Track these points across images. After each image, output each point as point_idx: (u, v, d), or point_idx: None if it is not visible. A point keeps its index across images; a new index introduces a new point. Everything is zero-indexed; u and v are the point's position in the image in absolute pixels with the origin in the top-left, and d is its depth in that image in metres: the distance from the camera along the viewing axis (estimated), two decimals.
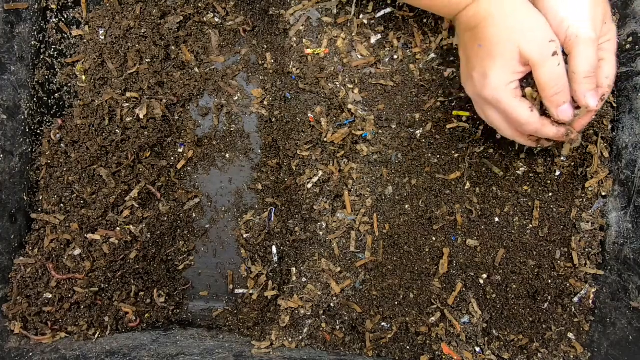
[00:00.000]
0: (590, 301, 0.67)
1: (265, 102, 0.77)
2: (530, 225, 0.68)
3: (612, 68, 0.54)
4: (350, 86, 0.69)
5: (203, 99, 0.78)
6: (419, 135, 0.69)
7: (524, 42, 0.50)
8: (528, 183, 0.68)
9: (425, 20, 0.69)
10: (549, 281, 0.67)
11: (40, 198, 0.72)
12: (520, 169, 0.68)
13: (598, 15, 0.51)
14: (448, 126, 0.69)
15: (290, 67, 0.71)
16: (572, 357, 0.66)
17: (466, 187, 0.69)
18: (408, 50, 0.69)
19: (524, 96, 0.54)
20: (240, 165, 0.78)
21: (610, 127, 0.66)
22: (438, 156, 0.69)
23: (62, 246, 0.70)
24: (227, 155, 0.78)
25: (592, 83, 0.51)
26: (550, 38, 0.51)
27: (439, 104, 0.69)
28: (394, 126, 0.70)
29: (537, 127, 0.54)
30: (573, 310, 0.67)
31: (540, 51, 0.50)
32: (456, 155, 0.69)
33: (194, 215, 0.78)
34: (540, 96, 0.52)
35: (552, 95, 0.51)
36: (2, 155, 0.67)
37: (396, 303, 0.68)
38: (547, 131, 0.54)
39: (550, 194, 0.68)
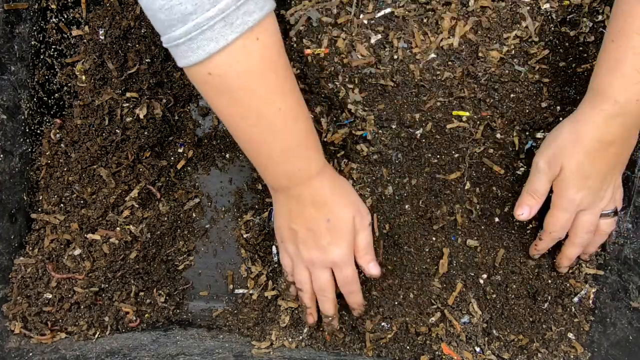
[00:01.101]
0: (590, 301, 0.67)
1: None
2: (530, 225, 0.68)
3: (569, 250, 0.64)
4: (350, 86, 0.69)
5: (203, 99, 0.78)
6: (419, 135, 0.69)
7: (356, 215, 0.61)
8: None
9: (425, 20, 0.69)
10: (549, 281, 0.67)
11: (40, 198, 0.72)
12: (520, 168, 0.68)
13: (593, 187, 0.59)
14: (448, 126, 0.69)
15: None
16: (572, 357, 0.66)
17: (466, 187, 0.69)
18: (408, 50, 0.69)
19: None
20: (240, 165, 0.78)
21: None
22: (438, 156, 0.69)
23: (62, 246, 0.70)
24: (227, 155, 0.78)
25: (551, 241, 0.64)
26: (367, 211, 0.63)
27: (439, 103, 0.69)
28: (394, 126, 0.70)
29: (357, 289, 0.65)
30: (573, 310, 0.67)
31: (362, 222, 0.62)
32: (456, 155, 0.69)
33: (194, 215, 0.78)
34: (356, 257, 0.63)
35: (364, 255, 0.62)
36: (2, 155, 0.67)
37: (396, 303, 0.68)
38: (356, 297, 0.66)
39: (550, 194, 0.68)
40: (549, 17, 0.66)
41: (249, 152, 0.58)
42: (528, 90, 0.67)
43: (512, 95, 0.68)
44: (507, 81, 0.67)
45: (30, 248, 0.70)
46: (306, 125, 0.57)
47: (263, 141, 0.56)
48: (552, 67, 0.67)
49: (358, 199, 0.63)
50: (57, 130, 0.72)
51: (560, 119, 0.65)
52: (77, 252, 0.70)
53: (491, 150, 0.69)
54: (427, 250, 0.69)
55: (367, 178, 0.70)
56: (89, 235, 0.70)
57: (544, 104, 0.67)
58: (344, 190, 0.62)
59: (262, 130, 0.54)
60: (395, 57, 0.70)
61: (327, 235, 0.60)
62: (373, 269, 0.63)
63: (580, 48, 0.66)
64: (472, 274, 0.68)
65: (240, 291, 0.76)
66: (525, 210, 0.62)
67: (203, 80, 0.51)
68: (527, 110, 0.68)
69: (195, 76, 0.52)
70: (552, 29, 0.66)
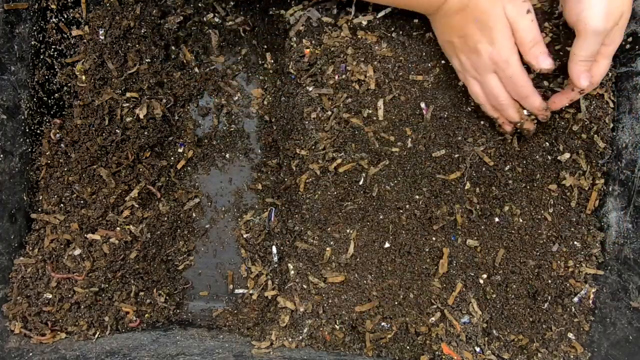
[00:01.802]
0: (590, 301, 0.67)
1: (265, 102, 0.77)
2: (531, 225, 0.68)
3: (600, 70, 0.59)
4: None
5: (203, 99, 0.78)
6: (419, 135, 0.69)
7: (506, 5, 0.57)
8: (529, 182, 0.68)
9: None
10: (549, 281, 0.67)
11: (40, 198, 0.72)
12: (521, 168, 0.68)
13: (613, 15, 0.55)
14: (448, 126, 0.69)
15: (290, 67, 0.71)
16: (572, 357, 0.66)
17: (466, 187, 0.69)
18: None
19: None
20: (240, 165, 0.78)
21: (611, 125, 0.66)
22: (438, 156, 0.69)
23: (62, 246, 0.70)
24: (227, 155, 0.78)
25: (588, 66, 0.58)
26: None
27: (439, 103, 0.69)
28: (395, 125, 0.70)
29: (529, 92, 0.60)
30: (573, 310, 0.67)
31: (517, 10, 0.57)
32: (456, 155, 0.69)
33: (194, 215, 0.78)
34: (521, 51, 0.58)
35: (530, 47, 0.57)
36: (2, 155, 0.67)
37: (396, 303, 0.68)
38: (532, 101, 0.61)
39: (550, 194, 0.68)
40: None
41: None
42: None
43: None
44: None
45: (30, 248, 0.70)
46: None
47: None
48: None
49: None
50: (57, 130, 0.72)
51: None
52: (77, 252, 0.70)
53: (491, 151, 0.68)
54: (427, 250, 0.69)
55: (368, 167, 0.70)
56: (89, 235, 0.70)
57: None
58: None
59: None
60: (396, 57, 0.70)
61: (478, 34, 0.58)
62: (543, 62, 0.57)
63: None
64: (472, 274, 0.68)
65: (240, 291, 0.76)
66: (586, 77, 0.58)
67: None
68: None
69: None
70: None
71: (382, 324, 0.68)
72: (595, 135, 0.66)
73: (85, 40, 0.73)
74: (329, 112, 0.70)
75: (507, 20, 0.57)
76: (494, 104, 0.64)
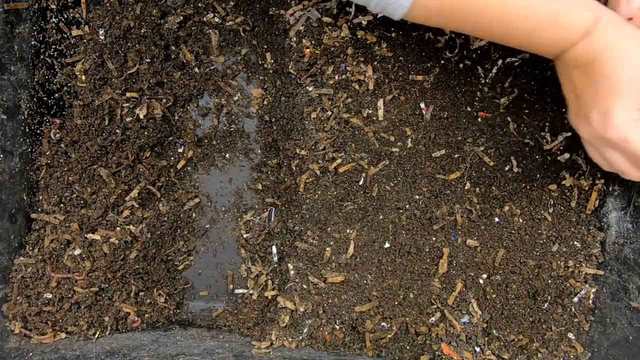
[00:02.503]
0: (590, 301, 0.67)
1: (265, 102, 0.77)
2: (531, 225, 0.68)
3: None
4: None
5: (203, 99, 0.78)
6: (419, 135, 0.69)
7: None
8: (529, 182, 0.68)
9: None
10: (549, 281, 0.67)
11: (40, 198, 0.72)
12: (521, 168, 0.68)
13: None
14: (448, 126, 0.69)
15: (290, 67, 0.71)
16: (572, 357, 0.66)
17: (466, 187, 0.69)
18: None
19: None
20: (240, 165, 0.78)
21: None
22: (438, 156, 0.69)
23: (62, 246, 0.70)
24: (227, 155, 0.78)
25: None
26: None
27: (439, 103, 0.69)
28: (395, 125, 0.70)
29: None
30: (573, 310, 0.67)
31: None
32: (456, 155, 0.69)
33: (194, 215, 0.78)
34: None
35: None
36: (2, 155, 0.67)
37: (396, 303, 0.68)
38: None
39: (550, 194, 0.68)
40: None
41: (507, 42, 0.53)
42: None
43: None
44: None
45: (30, 248, 0.70)
46: None
47: (510, 27, 0.50)
48: None
49: None
50: (57, 130, 0.72)
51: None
52: (77, 252, 0.70)
53: (491, 150, 0.68)
54: (427, 250, 0.69)
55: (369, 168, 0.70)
56: (89, 235, 0.70)
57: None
58: (634, 46, 0.48)
59: (503, 18, 0.50)
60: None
61: (594, 101, 0.49)
62: None
63: None
64: (472, 274, 0.68)
65: (240, 291, 0.76)
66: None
67: (426, 15, 0.52)
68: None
69: (418, 17, 0.52)
70: None
71: (382, 324, 0.68)
72: None
73: (85, 40, 0.73)
74: (329, 112, 0.70)
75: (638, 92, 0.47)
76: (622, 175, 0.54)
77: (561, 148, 0.67)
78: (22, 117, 0.69)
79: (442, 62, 0.69)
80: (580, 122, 0.52)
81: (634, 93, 0.47)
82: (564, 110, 0.67)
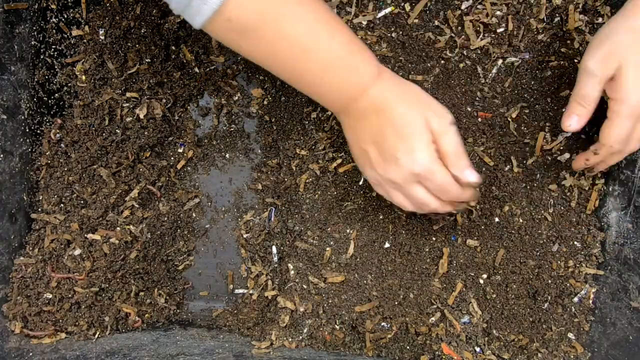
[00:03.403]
0: (590, 301, 0.67)
1: (265, 102, 0.77)
2: (531, 225, 0.68)
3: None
4: None
5: (203, 99, 0.78)
6: None
7: (429, 114, 0.53)
8: (529, 182, 0.68)
9: None
10: (549, 281, 0.67)
11: (40, 198, 0.72)
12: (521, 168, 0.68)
13: None
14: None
15: None
16: (572, 357, 0.66)
17: None
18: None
19: None
20: (240, 165, 0.78)
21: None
22: None
23: (62, 246, 0.70)
24: (227, 155, 0.78)
25: (608, 156, 0.58)
26: (445, 110, 0.54)
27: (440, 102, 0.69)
28: None
29: (460, 193, 0.55)
30: (573, 310, 0.67)
31: (440, 122, 0.53)
32: None
33: (194, 215, 0.78)
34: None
35: (455, 160, 0.54)
36: (2, 155, 0.67)
37: (396, 303, 0.68)
38: (467, 197, 0.57)
39: (550, 194, 0.68)
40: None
41: (298, 84, 0.55)
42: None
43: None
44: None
45: (30, 248, 0.70)
46: (342, 34, 0.53)
47: (302, 66, 0.52)
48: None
49: (431, 99, 0.55)
50: (57, 130, 0.72)
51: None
52: (77, 252, 0.70)
53: (491, 150, 0.68)
54: (427, 250, 0.69)
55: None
56: (89, 235, 0.70)
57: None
58: (411, 90, 0.55)
59: (296, 55, 0.52)
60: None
61: (397, 143, 0.53)
62: (470, 176, 0.54)
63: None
64: (472, 274, 0.68)
65: (240, 291, 0.76)
66: (573, 120, 0.56)
67: (225, 29, 0.50)
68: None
69: (217, 30, 0.51)
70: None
71: (382, 324, 0.68)
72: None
73: (85, 40, 0.73)
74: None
75: (430, 131, 0.53)
76: (423, 212, 0.59)
77: (561, 148, 0.67)
78: (22, 117, 0.69)
79: (442, 62, 0.69)
80: (388, 167, 0.54)
81: (425, 131, 0.52)
82: (563, 110, 0.67)
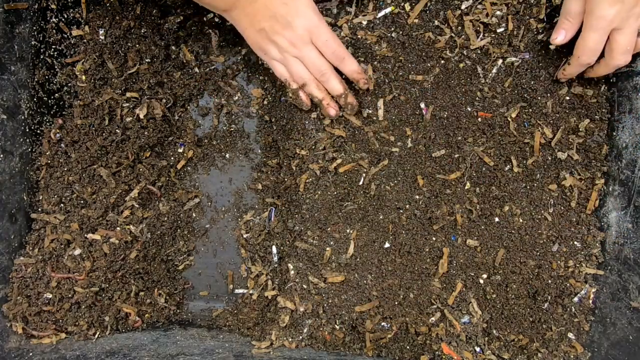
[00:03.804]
0: (590, 301, 0.67)
1: (265, 102, 0.77)
2: (531, 225, 0.68)
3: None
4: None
5: (203, 99, 0.78)
6: (419, 135, 0.69)
7: None
8: (529, 182, 0.68)
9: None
10: (549, 281, 0.67)
11: (40, 198, 0.72)
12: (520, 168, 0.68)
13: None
14: (448, 126, 0.69)
15: None
16: (572, 357, 0.66)
17: (466, 187, 0.69)
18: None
19: None
20: (240, 165, 0.78)
21: (606, 125, 0.67)
22: (438, 156, 0.69)
23: (62, 246, 0.70)
24: (227, 155, 0.78)
25: (579, 67, 0.63)
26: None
27: (439, 103, 0.69)
28: (395, 125, 0.70)
29: (345, 53, 0.65)
30: (573, 310, 0.67)
31: None
32: (456, 155, 0.69)
33: (194, 215, 0.78)
34: None
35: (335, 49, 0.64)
36: (2, 155, 0.67)
37: (396, 303, 0.68)
38: (349, 64, 0.65)
39: (550, 194, 0.68)
40: None
41: None
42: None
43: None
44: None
45: (31, 248, 0.70)
46: None
47: None
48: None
49: None
50: (57, 130, 0.72)
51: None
52: (77, 252, 0.70)
53: (491, 151, 0.68)
54: (427, 250, 0.69)
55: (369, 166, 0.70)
56: (89, 235, 0.70)
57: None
58: None
59: None
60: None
61: (287, 9, 0.61)
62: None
63: None
64: (472, 274, 0.68)
65: (240, 291, 0.76)
66: (561, 34, 0.62)
67: None
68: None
69: None
70: None
71: (382, 324, 0.68)
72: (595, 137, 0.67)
73: (85, 40, 0.73)
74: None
75: None
76: (318, 78, 0.65)
77: (561, 148, 0.67)
78: (22, 117, 0.69)
79: (442, 62, 0.69)
80: (286, 32, 0.62)
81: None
82: (563, 110, 0.67)
